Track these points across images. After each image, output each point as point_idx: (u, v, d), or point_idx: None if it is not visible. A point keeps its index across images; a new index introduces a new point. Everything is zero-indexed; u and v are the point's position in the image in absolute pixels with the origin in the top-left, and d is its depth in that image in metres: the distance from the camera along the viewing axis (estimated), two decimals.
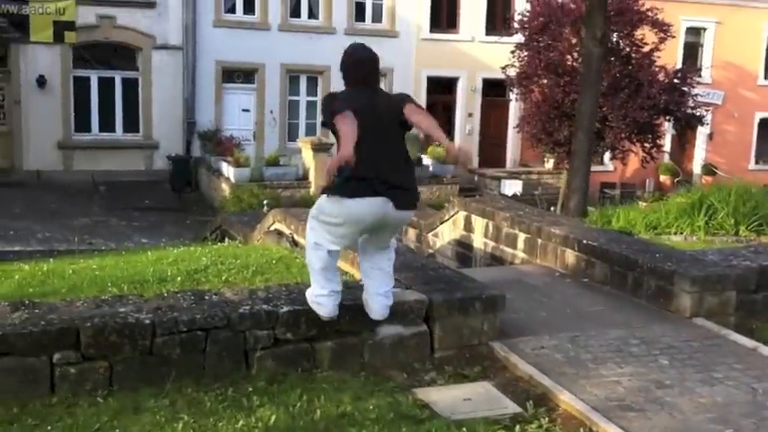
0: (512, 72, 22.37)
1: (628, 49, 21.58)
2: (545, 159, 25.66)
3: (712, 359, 5.53)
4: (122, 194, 21.01)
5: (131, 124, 23.04)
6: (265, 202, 17.68)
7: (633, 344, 5.75)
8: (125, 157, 22.82)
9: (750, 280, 6.91)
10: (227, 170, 20.51)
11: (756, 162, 29.07)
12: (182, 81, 22.92)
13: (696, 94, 22.81)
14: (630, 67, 21.42)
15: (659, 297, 6.76)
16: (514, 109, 26.05)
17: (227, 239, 11.34)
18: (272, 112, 24.01)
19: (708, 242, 10.81)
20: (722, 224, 11.93)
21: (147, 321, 4.74)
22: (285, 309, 5.11)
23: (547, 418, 4.54)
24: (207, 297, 5.31)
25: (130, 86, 22.92)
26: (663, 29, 21.43)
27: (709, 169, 27.22)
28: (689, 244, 10.60)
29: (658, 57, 21.52)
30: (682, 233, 11.79)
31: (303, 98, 24.59)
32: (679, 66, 24.01)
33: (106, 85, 22.76)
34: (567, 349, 5.60)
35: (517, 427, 4.43)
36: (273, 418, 4.33)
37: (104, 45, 22.52)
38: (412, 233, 11.98)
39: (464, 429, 4.29)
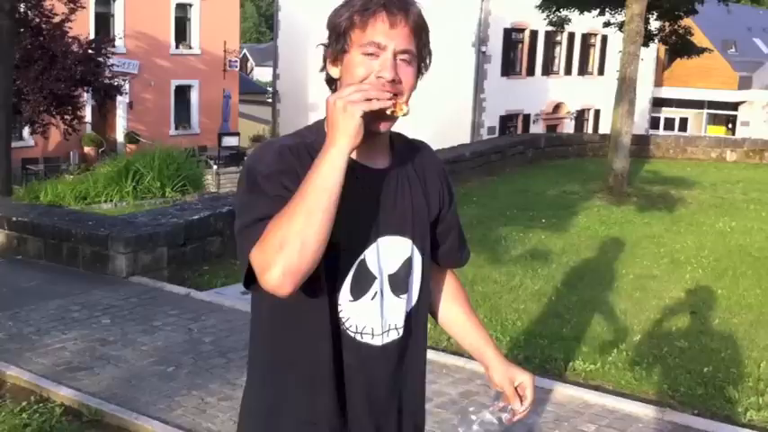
0: None
1: (38, 20, 20.93)
2: None
3: (151, 311, 5.98)
4: None
5: None
6: None
7: (75, 310, 5.93)
8: None
9: (179, 235, 7.55)
10: None
11: (176, 128, 30.73)
12: None
13: (112, 65, 23.23)
14: (42, 39, 20.88)
15: (96, 262, 7.03)
16: None
17: None
18: None
19: (138, 206, 11.36)
20: (149, 188, 12.64)
21: None
22: None
23: None
24: None
25: None
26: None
27: (132, 137, 27.97)
28: (120, 210, 11.03)
29: (70, 27, 21.29)
30: (112, 200, 12.18)
31: None
32: (93, 36, 24.10)
33: None
34: (8, 327, 5.53)
35: None
36: None
37: None
38: None
39: None
